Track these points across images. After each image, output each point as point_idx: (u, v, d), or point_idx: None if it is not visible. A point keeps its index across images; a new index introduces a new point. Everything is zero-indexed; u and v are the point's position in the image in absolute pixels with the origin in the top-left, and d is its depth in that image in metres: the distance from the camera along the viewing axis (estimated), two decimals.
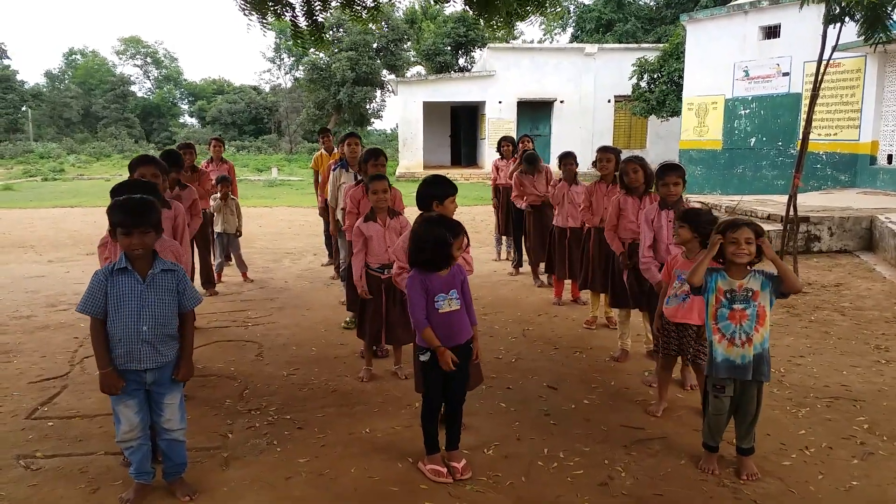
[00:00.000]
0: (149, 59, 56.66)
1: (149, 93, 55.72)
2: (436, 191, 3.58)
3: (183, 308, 2.96)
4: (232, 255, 7.72)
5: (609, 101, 23.80)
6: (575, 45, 26.56)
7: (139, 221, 2.81)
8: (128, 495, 2.97)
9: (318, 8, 6.29)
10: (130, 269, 2.84)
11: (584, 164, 6.62)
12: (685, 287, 3.75)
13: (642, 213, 4.63)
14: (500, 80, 23.61)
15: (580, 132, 22.67)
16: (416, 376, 3.66)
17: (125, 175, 4.48)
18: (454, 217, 3.37)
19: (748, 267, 3.19)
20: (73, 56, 55.96)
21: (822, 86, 7.24)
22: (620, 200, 4.94)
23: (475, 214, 13.27)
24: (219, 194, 7.45)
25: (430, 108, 24.56)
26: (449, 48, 34.31)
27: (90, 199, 16.55)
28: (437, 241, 3.12)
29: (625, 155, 5.36)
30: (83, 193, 18.38)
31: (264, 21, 6.02)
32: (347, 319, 5.78)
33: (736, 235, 3.13)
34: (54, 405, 4.09)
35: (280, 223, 12.73)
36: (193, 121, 54.99)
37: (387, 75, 34.96)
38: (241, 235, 7.73)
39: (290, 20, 6.22)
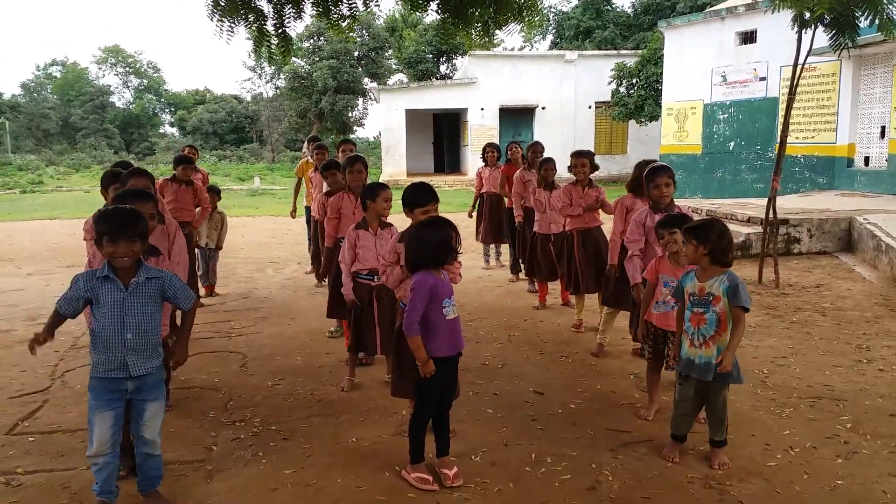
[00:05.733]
0: (129, 69, 56.13)
1: (128, 103, 55.23)
2: (407, 198, 3.69)
3: (181, 308, 3.04)
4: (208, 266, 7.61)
5: (590, 107, 24.00)
6: (555, 51, 26.78)
7: (126, 231, 2.78)
8: None
9: (290, 16, 6.20)
10: (113, 277, 2.81)
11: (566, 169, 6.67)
12: None
13: (631, 216, 4.64)
14: (481, 87, 23.73)
15: (562, 138, 22.79)
16: (394, 382, 3.66)
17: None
18: None
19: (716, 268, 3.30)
20: (53, 67, 55.36)
21: (799, 90, 7.35)
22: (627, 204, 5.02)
23: (458, 221, 13.25)
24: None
25: (413, 116, 24.60)
26: (430, 56, 34.39)
27: (69, 211, 16.36)
28: (441, 238, 3.16)
29: (604, 158, 5.44)
30: (62, 206, 18.16)
31: (232, 29, 5.90)
32: (332, 329, 5.75)
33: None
34: (35, 420, 4.02)
35: (263, 232, 12.67)
36: (174, 131, 54.61)
37: (368, 83, 34.95)
38: (220, 249, 7.64)
39: (256, 30, 6.12)
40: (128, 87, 56.60)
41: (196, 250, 7.41)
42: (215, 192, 7.48)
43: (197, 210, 6.68)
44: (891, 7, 6.49)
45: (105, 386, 2.85)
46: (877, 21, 6.35)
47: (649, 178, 4.36)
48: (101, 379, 2.85)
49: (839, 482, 3.16)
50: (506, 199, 8.10)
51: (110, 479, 2.93)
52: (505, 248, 8.70)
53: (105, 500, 2.94)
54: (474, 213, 8.76)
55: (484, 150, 8.46)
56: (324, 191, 6.63)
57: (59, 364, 5.05)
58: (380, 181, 4.83)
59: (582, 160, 5.74)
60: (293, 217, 8.72)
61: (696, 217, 4.02)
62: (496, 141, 21.27)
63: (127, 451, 3.09)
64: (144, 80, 56.91)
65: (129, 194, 3.43)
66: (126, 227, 2.79)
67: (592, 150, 6.71)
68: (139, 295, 2.85)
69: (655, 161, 4.88)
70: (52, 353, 5.32)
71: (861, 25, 6.75)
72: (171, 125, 56.28)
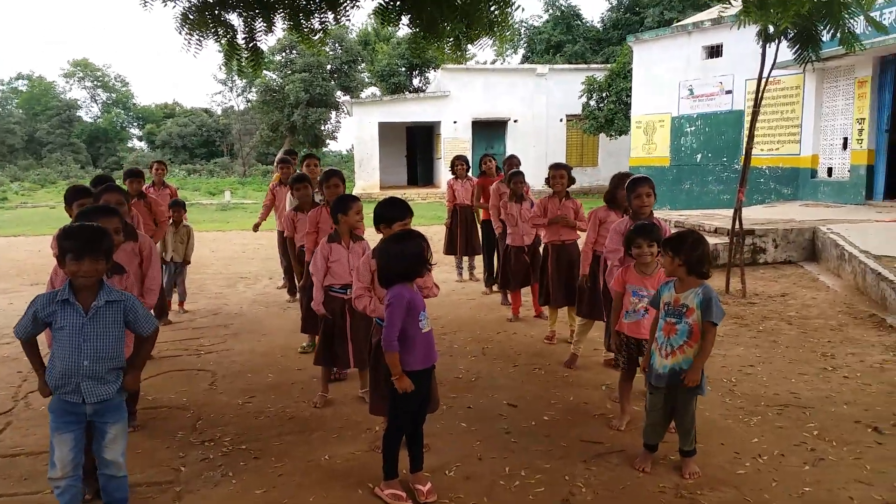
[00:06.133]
0: (97, 83, 55.26)
1: (96, 117, 54.35)
2: (385, 213, 3.63)
3: (139, 334, 2.91)
4: (175, 282, 7.47)
5: (561, 120, 24.27)
6: (527, 65, 27.04)
7: (91, 248, 2.71)
8: None
9: (261, 29, 6.15)
10: (73, 300, 2.73)
11: (541, 182, 6.72)
12: (643, 303, 3.82)
13: (605, 227, 4.70)
14: (454, 100, 23.86)
15: (534, 150, 23.01)
16: (372, 399, 3.63)
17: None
18: None
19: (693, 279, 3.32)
20: (18, 81, 54.22)
21: (763, 102, 7.52)
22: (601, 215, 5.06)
23: (432, 234, 13.26)
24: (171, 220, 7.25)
25: (386, 129, 24.63)
26: (403, 69, 34.52)
27: (34, 227, 16.01)
28: (414, 251, 3.13)
29: (576, 171, 5.48)
30: (27, 222, 17.76)
31: (200, 43, 5.82)
32: (304, 344, 5.70)
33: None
34: None
35: (234, 247, 12.53)
36: (143, 145, 53.86)
37: (341, 96, 34.96)
38: (188, 264, 7.50)
39: (227, 43, 6.06)
40: (95, 101, 55.67)
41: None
42: (181, 206, 7.37)
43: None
44: (852, 21, 6.68)
45: (64, 408, 2.78)
46: (838, 35, 6.54)
47: (630, 189, 4.42)
48: (61, 400, 2.79)
49: (807, 489, 3.21)
50: (480, 212, 8.14)
51: (74, 501, 2.85)
52: (478, 261, 8.71)
53: None
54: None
55: (453, 162, 8.47)
56: (290, 205, 6.59)
57: (23, 385, 4.92)
58: (351, 194, 4.83)
59: (560, 172, 5.81)
60: (255, 230, 8.44)
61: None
62: (469, 154, 21.41)
63: (91, 473, 3.01)
64: (112, 94, 56.04)
65: (93, 210, 3.37)
66: (91, 245, 2.72)
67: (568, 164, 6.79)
68: (99, 321, 2.76)
69: (632, 173, 4.95)
70: (15, 373, 5.19)
71: (824, 39, 6.94)
72: (140, 139, 55.54)
